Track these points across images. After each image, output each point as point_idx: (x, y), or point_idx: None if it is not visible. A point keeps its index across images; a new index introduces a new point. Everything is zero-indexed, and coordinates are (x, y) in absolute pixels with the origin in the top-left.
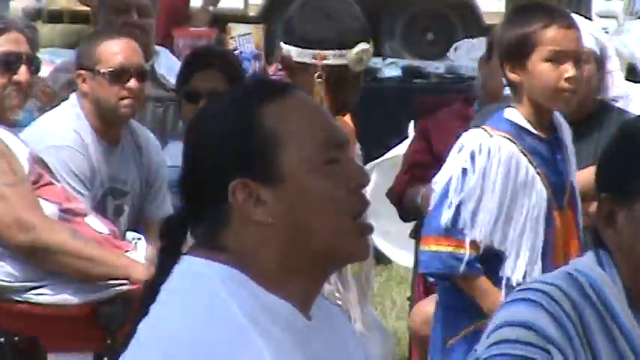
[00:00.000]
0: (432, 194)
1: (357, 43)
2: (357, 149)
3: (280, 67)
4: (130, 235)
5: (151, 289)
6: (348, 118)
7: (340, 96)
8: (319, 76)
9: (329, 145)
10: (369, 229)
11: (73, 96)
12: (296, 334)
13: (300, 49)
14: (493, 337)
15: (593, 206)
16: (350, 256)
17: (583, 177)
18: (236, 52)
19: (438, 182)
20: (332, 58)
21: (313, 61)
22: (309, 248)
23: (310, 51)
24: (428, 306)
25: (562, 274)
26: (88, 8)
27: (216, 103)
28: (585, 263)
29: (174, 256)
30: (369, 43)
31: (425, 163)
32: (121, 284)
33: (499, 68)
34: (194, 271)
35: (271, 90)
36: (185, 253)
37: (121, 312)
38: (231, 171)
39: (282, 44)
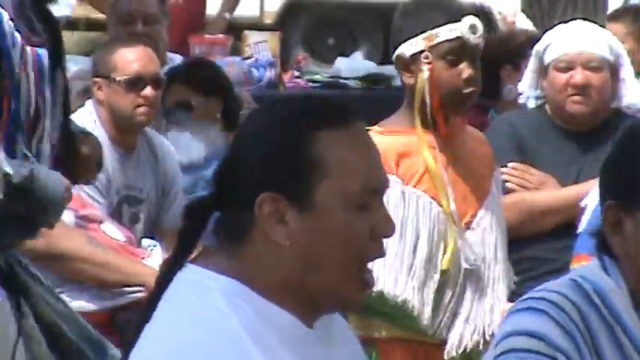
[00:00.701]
0: (585, 214)
1: (464, 15)
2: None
3: (297, 74)
4: (145, 242)
5: (155, 295)
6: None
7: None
8: (426, 58)
9: (369, 189)
10: (370, 285)
11: (89, 103)
12: (297, 346)
13: (410, 40)
14: (501, 347)
15: None
16: (342, 303)
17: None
18: (251, 59)
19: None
20: (443, 33)
21: (423, 46)
22: (310, 280)
23: (420, 37)
24: None
25: (567, 282)
26: (104, 16)
27: (274, 110)
28: (590, 270)
29: (193, 241)
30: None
31: None
32: (137, 291)
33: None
34: (197, 281)
35: (333, 115)
36: (191, 262)
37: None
38: (266, 183)
39: (396, 52)
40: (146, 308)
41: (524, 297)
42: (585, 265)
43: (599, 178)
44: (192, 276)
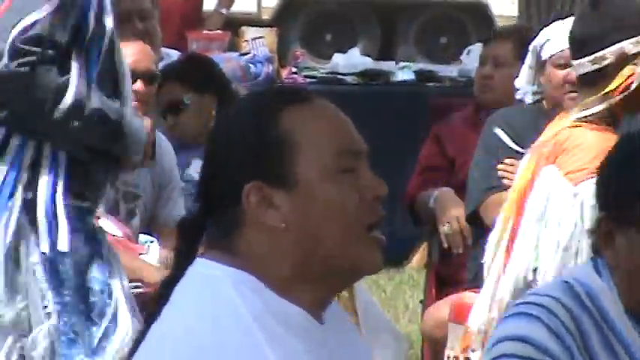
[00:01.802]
0: None
1: None
2: None
3: (294, 70)
4: (142, 237)
5: (165, 290)
6: None
7: None
8: None
9: (345, 153)
10: (382, 242)
11: None
12: (308, 339)
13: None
14: (492, 353)
15: None
16: (358, 266)
17: None
18: (249, 55)
19: None
20: None
21: None
22: (319, 255)
23: None
24: (441, 309)
25: (560, 284)
26: None
27: (237, 106)
28: (583, 271)
29: (190, 258)
30: None
31: (438, 167)
32: (135, 287)
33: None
34: (207, 274)
35: (291, 95)
36: (199, 256)
37: None
38: (245, 174)
39: (617, 45)
40: (155, 305)
41: (516, 302)
42: (579, 265)
43: (595, 187)
44: (201, 269)
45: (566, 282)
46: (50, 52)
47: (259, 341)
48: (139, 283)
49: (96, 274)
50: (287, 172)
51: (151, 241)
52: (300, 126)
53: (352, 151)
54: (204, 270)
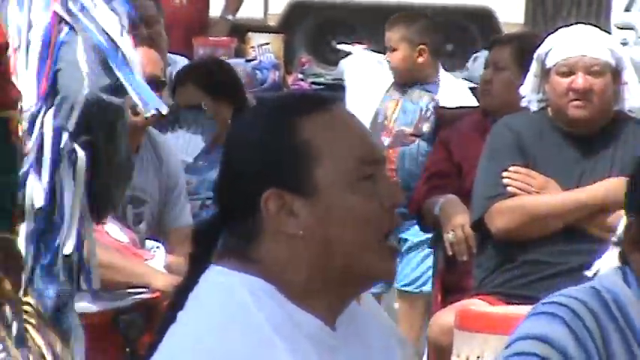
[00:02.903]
0: None
1: None
2: None
3: (300, 76)
4: (149, 243)
5: (179, 296)
6: None
7: None
8: None
9: (365, 161)
10: (396, 250)
11: None
12: (322, 348)
13: None
14: (512, 349)
15: (612, 219)
16: (374, 274)
17: (602, 188)
18: (255, 61)
19: None
20: None
21: None
22: (336, 263)
23: None
24: (446, 316)
25: (588, 290)
26: None
27: (255, 111)
28: (611, 280)
29: (204, 264)
30: None
31: (445, 173)
32: (141, 292)
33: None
34: (222, 281)
35: (311, 102)
36: (213, 262)
37: (140, 320)
38: (265, 180)
39: None
40: (169, 312)
41: (543, 300)
42: (608, 273)
43: (625, 190)
44: (216, 277)
45: (595, 289)
46: None
47: (276, 349)
48: (145, 289)
49: None
50: (307, 180)
51: (157, 247)
52: (321, 134)
53: (372, 159)
54: (219, 278)
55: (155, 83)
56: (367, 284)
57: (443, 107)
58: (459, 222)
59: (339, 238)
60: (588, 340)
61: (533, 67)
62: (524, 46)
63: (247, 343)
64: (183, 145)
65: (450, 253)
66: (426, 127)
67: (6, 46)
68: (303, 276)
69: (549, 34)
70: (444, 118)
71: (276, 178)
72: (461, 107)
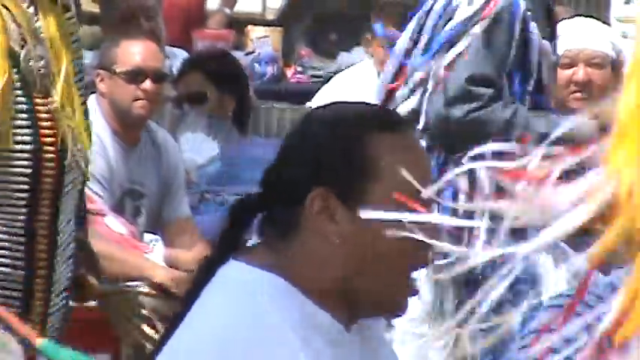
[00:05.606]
0: None
1: None
2: None
3: (299, 69)
4: (147, 237)
5: (193, 292)
6: None
7: None
8: None
9: (418, 193)
10: (416, 291)
11: (92, 97)
12: (338, 349)
13: None
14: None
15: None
16: (388, 307)
17: None
18: (254, 54)
19: None
20: None
21: None
22: (354, 284)
23: None
24: None
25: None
26: None
27: (330, 112)
28: None
29: (233, 245)
30: None
31: None
32: (140, 285)
33: None
34: (241, 278)
35: (386, 120)
36: (234, 257)
37: None
38: (319, 179)
39: None
40: (183, 304)
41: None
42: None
43: None
44: (234, 272)
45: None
46: (493, 90)
47: (293, 346)
48: (141, 283)
49: None
50: (359, 193)
51: (156, 240)
52: (387, 155)
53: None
54: (239, 274)
55: (158, 76)
56: (374, 313)
57: None
58: None
59: (370, 260)
60: None
61: None
62: None
63: (261, 339)
64: (194, 146)
65: None
66: None
67: None
68: (328, 281)
69: None
70: None
71: (330, 180)
72: None
